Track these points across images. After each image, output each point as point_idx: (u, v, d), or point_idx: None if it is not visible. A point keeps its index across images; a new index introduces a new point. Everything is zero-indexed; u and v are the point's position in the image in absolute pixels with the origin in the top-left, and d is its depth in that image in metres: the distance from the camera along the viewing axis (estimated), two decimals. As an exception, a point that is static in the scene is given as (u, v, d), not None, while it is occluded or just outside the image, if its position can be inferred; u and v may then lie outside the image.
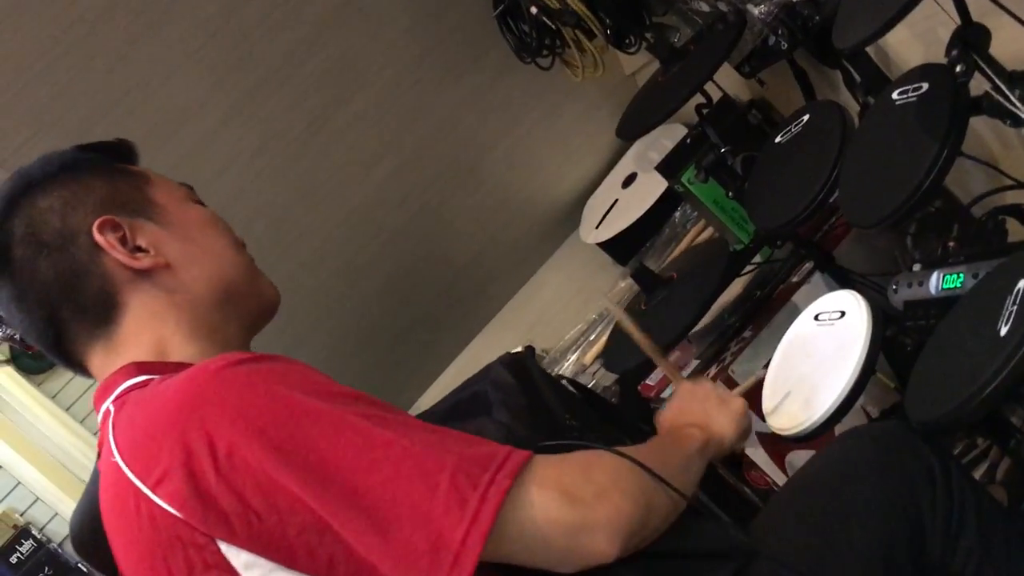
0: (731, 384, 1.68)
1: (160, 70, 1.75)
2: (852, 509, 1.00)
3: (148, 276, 0.98)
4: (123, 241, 0.98)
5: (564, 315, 2.48)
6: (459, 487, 0.79)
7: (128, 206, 1.01)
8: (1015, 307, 0.96)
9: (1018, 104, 1.02)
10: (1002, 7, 1.03)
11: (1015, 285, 0.98)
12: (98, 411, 0.95)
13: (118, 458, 0.85)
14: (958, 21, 1.08)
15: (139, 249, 0.99)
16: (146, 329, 0.98)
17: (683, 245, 2.14)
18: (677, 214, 2.24)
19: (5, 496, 2.92)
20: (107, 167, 1.05)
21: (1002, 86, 1.03)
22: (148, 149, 1.15)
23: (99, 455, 0.93)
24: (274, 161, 1.99)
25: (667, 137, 2.24)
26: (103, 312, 0.98)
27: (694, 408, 1.17)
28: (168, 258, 1.00)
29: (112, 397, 0.93)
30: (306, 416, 0.81)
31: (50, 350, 1.01)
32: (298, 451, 0.79)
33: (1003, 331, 0.95)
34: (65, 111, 1.69)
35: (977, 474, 1.56)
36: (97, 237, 0.97)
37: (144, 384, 0.92)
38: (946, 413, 0.96)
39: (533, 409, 1.10)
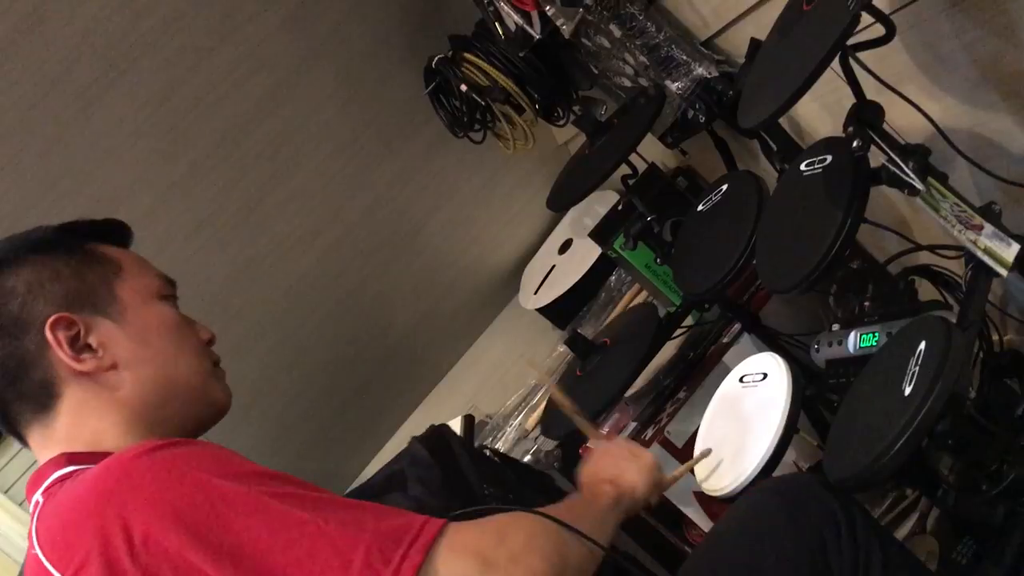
0: (668, 445, 1.71)
1: (96, 152, 1.76)
2: (760, 561, 1.03)
3: (90, 375, 1.00)
4: (75, 339, 1.00)
5: (507, 380, 2.49)
6: (372, 564, 0.81)
7: (89, 301, 1.02)
8: (917, 367, 1.01)
9: (911, 175, 1.08)
10: (889, 88, 1.10)
11: (917, 346, 1.03)
12: (30, 502, 0.96)
13: (37, 550, 0.87)
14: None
15: (88, 347, 1.01)
16: (81, 421, 1.00)
17: (619, 308, 2.18)
18: (612, 278, 2.28)
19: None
20: (81, 254, 1.05)
21: (896, 158, 1.08)
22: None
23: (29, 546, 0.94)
24: (212, 238, 2.00)
25: (600, 204, 2.29)
26: (42, 401, 1.00)
27: (607, 464, 1.21)
28: (116, 358, 1.01)
29: (41, 489, 0.95)
30: (221, 499, 0.82)
31: None
32: (213, 534, 0.80)
33: (907, 391, 1.00)
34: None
35: (908, 524, 1.60)
36: (47, 334, 0.99)
37: (71, 475, 0.94)
38: (857, 473, 1.00)
39: (448, 481, 1.12)
